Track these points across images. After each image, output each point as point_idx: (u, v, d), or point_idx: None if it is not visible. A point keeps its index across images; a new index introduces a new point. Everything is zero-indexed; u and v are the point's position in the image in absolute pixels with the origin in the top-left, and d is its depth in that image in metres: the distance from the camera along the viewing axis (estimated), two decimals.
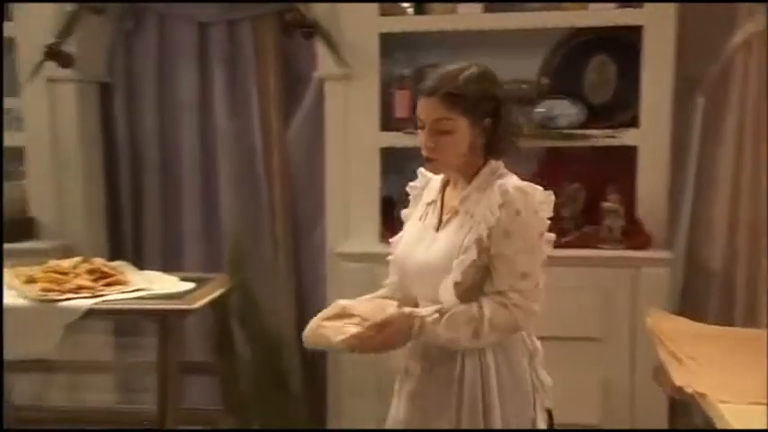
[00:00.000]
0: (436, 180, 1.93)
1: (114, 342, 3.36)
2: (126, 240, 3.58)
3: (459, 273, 1.73)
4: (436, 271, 1.77)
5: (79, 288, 2.40)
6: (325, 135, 3.26)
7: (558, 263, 2.93)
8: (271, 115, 3.43)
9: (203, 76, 3.44)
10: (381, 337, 1.73)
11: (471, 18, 3.13)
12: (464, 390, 1.78)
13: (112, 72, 3.51)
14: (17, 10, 3.31)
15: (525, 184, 1.78)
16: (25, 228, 3.35)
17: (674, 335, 2.37)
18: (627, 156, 3.07)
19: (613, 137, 3.06)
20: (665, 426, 2.96)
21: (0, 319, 2.38)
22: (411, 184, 2.01)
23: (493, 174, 1.81)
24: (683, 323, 2.59)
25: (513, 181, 1.78)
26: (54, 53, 3.19)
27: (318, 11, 3.12)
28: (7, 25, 3.32)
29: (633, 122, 3.07)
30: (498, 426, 1.78)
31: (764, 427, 1.74)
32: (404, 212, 2.00)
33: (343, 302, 1.85)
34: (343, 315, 1.80)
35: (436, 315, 1.74)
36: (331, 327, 1.78)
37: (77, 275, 2.48)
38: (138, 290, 2.47)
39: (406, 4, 3.18)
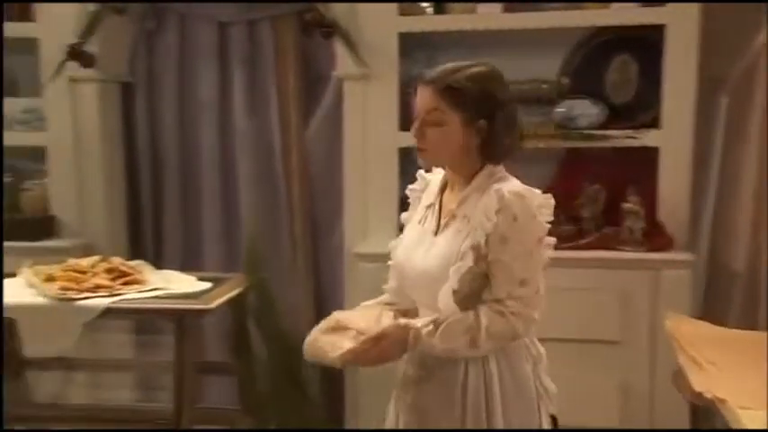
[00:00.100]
0: (435, 183, 1.91)
1: (135, 340, 3.38)
2: (146, 239, 3.60)
3: (457, 280, 1.70)
4: (434, 277, 1.74)
5: (97, 287, 2.42)
6: (343, 135, 3.26)
7: (577, 264, 2.97)
8: (290, 115, 3.43)
9: (223, 75, 3.45)
10: (377, 350, 1.71)
11: (491, 17, 3.11)
12: (467, 397, 1.76)
13: (134, 72, 3.53)
14: (41, 10, 3.33)
15: (523, 187, 1.74)
16: (47, 226, 3.37)
17: (693, 339, 2.34)
18: (648, 157, 3.03)
19: (634, 137, 3.02)
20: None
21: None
22: (410, 186, 1.99)
23: (491, 177, 1.77)
24: (704, 327, 2.55)
25: (510, 185, 1.74)
26: (76, 53, 3.22)
27: (337, 10, 3.11)
28: (30, 25, 3.36)
29: (655, 123, 3.03)
30: None
31: None
32: (403, 216, 1.97)
33: (338, 315, 1.83)
34: (338, 328, 1.78)
35: (431, 326, 1.71)
36: (327, 341, 1.76)
37: (96, 274, 2.50)
38: (155, 289, 2.48)
39: (425, 4, 3.17)
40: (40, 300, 2.39)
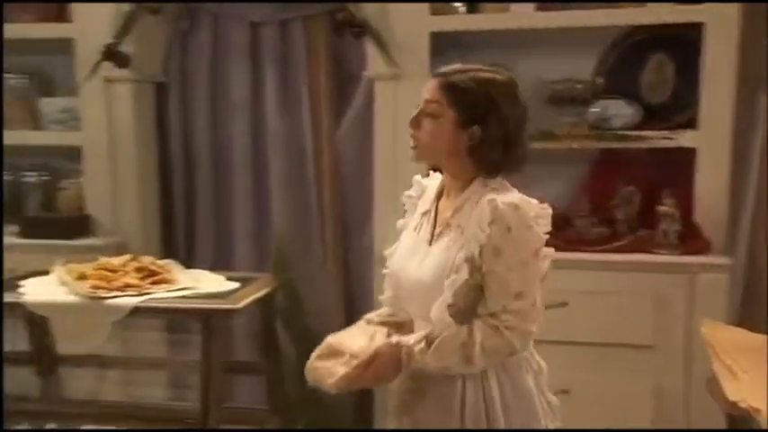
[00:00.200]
0: (432, 189, 1.87)
1: (168, 338, 3.41)
2: (178, 238, 3.63)
3: (451, 294, 1.66)
4: (428, 288, 1.71)
5: (126, 286, 2.43)
6: (374, 135, 3.24)
7: (610, 267, 2.92)
8: (321, 115, 3.43)
9: (255, 75, 3.46)
10: (370, 373, 1.69)
11: (524, 16, 3.07)
12: (466, 413, 1.72)
13: (167, 72, 3.56)
14: (77, 11, 3.37)
15: (518, 197, 1.70)
16: (82, 225, 3.41)
17: (728, 346, 2.28)
18: (684, 158, 2.97)
19: (671, 138, 2.96)
20: None
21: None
22: (406, 192, 1.95)
23: (485, 186, 1.72)
24: (740, 334, 2.48)
25: (505, 195, 1.69)
26: (111, 53, 3.25)
27: (369, 10, 3.10)
28: (67, 26, 3.40)
29: (692, 123, 2.97)
30: None
31: None
32: (399, 222, 1.93)
33: (331, 339, 1.81)
34: (333, 353, 1.76)
35: (423, 344, 1.68)
36: (323, 367, 1.74)
37: (126, 273, 2.52)
38: (183, 288, 2.49)
39: (457, 3, 3.14)
40: (71, 298, 2.41)
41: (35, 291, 2.51)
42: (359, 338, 1.78)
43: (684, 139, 2.95)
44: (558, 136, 3.01)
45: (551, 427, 1.84)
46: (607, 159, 3.16)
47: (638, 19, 3.00)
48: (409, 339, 1.71)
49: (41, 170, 3.63)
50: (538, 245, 1.68)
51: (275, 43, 3.43)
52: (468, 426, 1.72)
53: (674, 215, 2.91)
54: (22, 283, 2.58)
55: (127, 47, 3.27)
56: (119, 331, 2.78)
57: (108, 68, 3.28)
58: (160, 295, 2.43)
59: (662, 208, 2.93)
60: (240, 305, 2.39)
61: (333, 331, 1.87)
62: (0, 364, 2.36)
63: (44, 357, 2.87)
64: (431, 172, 1.92)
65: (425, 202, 1.86)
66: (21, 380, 2.94)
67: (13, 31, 3.44)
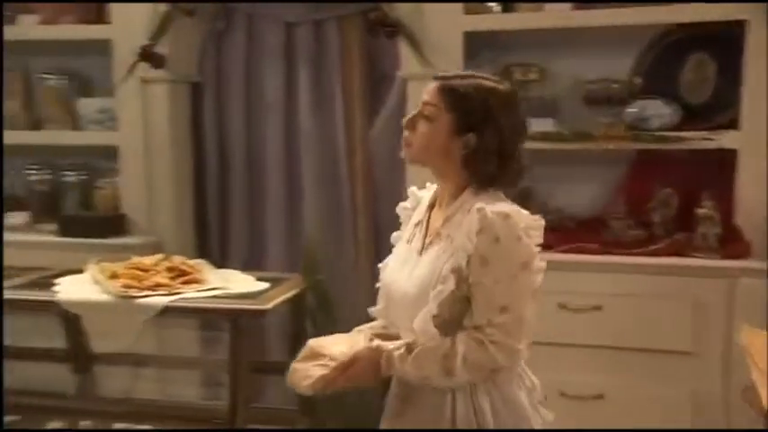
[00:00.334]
0: (426, 200, 1.82)
1: (203, 336, 3.43)
2: (212, 238, 3.65)
3: (436, 305, 1.60)
4: (414, 299, 1.66)
5: (157, 285, 2.44)
6: None
7: (647, 271, 2.86)
8: (354, 115, 3.42)
9: (289, 75, 3.46)
10: (347, 375, 1.66)
11: (560, 15, 3.03)
12: (457, 427, 1.66)
13: (203, 72, 3.58)
14: (115, 13, 3.41)
15: (509, 207, 1.62)
16: (118, 224, 3.45)
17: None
18: (725, 159, 2.89)
19: (711, 139, 2.88)
20: None
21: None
22: (401, 204, 1.90)
23: (476, 196, 1.66)
24: None
25: (495, 204, 1.62)
26: (147, 54, 3.28)
27: (403, 10, 3.08)
28: (105, 27, 3.44)
29: (733, 124, 2.89)
30: None
31: None
32: (393, 235, 1.88)
33: (312, 342, 1.78)
34: (313, 355, 1.73)
35: (403, 350, 1.63)
36: (301, 369, 1.71)
37: (157, 273, 2.53)
38: (213, 288, 2.49)
39: (492, 3, 3.10)
40: (103, 296, 2.43)
41: (69, 289, 2.53)
42: (341, 343, 1.75)
43: (725, 140, 2.87)
44: (593, 137, 2.95)
45: None
46: (644, 160, 3.10)
47: (678, 17, 2.93)
48: (389, 345, 1.67)
49: (81, 170, 3.68)
50: (527, 258, 1.61)
51: (309, 43, 3.43)
52: None
53: (713, 218, 2.84)
54: (57, 281, 2.60)
55: (162, 48, 3.30)
56: (154, 329, 2.82)
57: (144, 69, 3.31)
58: (190, 295, 2.43)
59: (701, 210, 2.86)
60: (269, 306, 2.39)
61: None
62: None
63: (79, 355, 2.90)
64: (428, 184, 1.88)
65: (419, 213, 1.82)
66: (57, 377, 2.99)
67: (53, 32, 3.50)
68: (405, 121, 1.73)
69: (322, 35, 3.43)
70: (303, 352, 1.77)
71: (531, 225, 1.62)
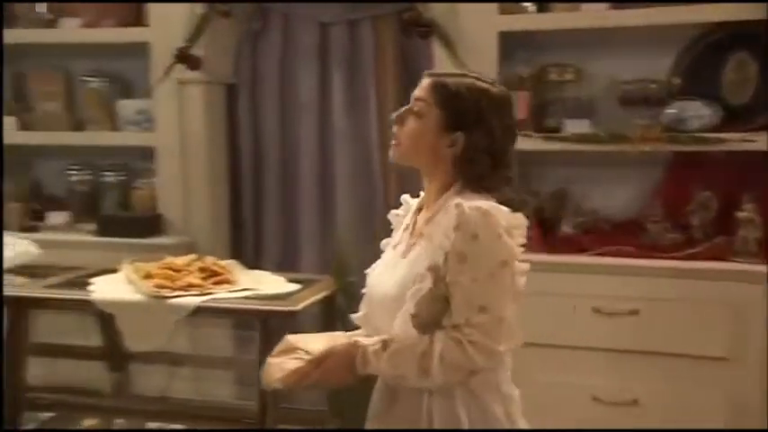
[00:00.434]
0: (415, 205, 1.77)
1: (238, 336, 3.45)
2: (247, 238, 3.68)
3: (414, 304, 1.55)
4: (393, 301, 1.61)
5: (189, 286, 2.46)
6: None
7: (685, 275, 2.81)
8: (388, 115, 3.40)
9: (323, 76, 3.48)
10: (321, 370, 1.59)
11: (596, 15, 2.98)
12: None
13: (238, 73, 3.61)
14: (153, 16, 3.45)
15: (489, 204, 1.54)
16: (154, 224, 3.50)
17: None
18: (766, 161, 2.82)
19: (752, 141, 2.81)
20: None
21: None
22: (393, 211, 1.86)
23: (459, 194, 1.60)
24: None
25: (474, 201, 1.55)
26: (184, 56, 3.32)
27: (437, 10, 3.06)
28: (143, 30, 3.49)
29: None
30: None
31: None
32: (383, 242, 1.83)
33: (290, 337, 1.72)
34: (288, 350, 1.67)
35: (378, 346, 1.58)
36: (275, 363, 1.66)
37: (190, 273, 2.55)
38: (244, 289, 2.51)
39: (527, 3, 3.07)
40: (136, 296, 2.46)
41: (104, 288, 2.56)
42: (320, 340, 1.70)
43: (767, 141, 2.80)
44: (630, 138, 2.90)
45: None
46: (682, 162, 3.04)
47: (718, 16, 2.87)
48: (365, 341, 1.62)
49: (120, 170, 3.73)
50: (507, 256, 1.54)
51: (344, 43, 3.44)
52: None
53: (754, 221, 2.78)
54: (92, 280, 2.64)
55: (199, 50, 3.33)
56: (188, 329, 2.85)
57: (181, 71, 3.35)
58: (221, 295, 2.44)
59: (742, 214, 2.80)
60: (299, 307, 2.39)
61: None
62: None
63: (115, 353, 2.94)
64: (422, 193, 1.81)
65: (408, 218, 1.78)
66: (94, 375, 3.04)
67: (94, 35, 3.56)
68: (394, 116, 1.69)
69: (357, 35, 3.43)
70: (279, 346, 1.71)
71: (513, 223, 1.56)
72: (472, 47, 3.04)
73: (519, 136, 2.95)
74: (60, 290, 2.63)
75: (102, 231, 3.50)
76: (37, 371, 2.71)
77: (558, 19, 3.02)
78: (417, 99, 1.66)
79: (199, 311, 2.37)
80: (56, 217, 3.67)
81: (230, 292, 2.48)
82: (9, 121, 3.68)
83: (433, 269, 1.55)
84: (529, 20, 3.06)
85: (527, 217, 1.62)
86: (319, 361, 1.61)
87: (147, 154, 3.54)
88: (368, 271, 1.79)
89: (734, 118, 2.92)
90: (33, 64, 3.82)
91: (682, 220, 2.95)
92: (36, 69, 3.81)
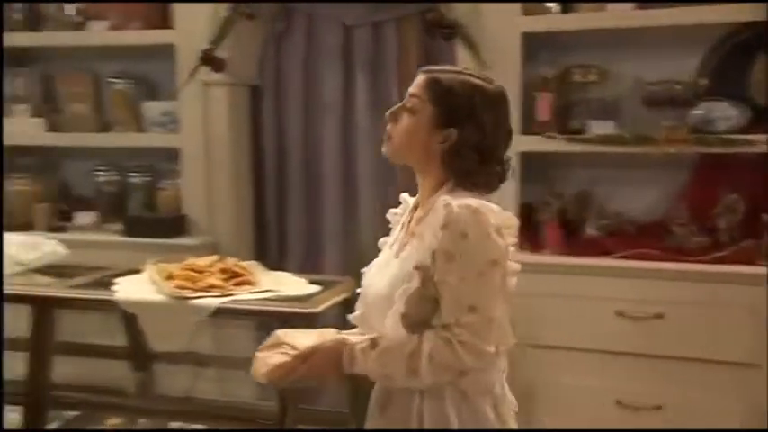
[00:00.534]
0: (411, 203, 1.76)
1: (259, 337, 3.46)
2: (271, 238, 3.69)
3: (402, 303, 1.54)
4: (384, 300, 1.59)
5: (210, 287, 2.47)
6: None
7: (710, 279, 2.77)
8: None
9: (347, 77, 3.48)
10: (307, 366, 1.58)
11: (622, 15, 2.94)
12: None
13: (262, 74, 3.62)
14: (178, 18, 3.48)
15: (479, 203, 1.52)
16: (179, 225, 3.52)
17: None
18: None
19: None
20: None
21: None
22: (391, 210, 1.85)
23: (451, 192, 1.58)
24: None
25: (463, 199, 1.53)
26: (208, 58, 3.34)
27: (461, 11, 3.05)
28: (169, 32, 3.51)
29: None
30: None
31: None
32: (380, 241, 1.82)
33: (279, 332, 1.70)
34: (276, 345, 1.65)
35: (366, 345, 1.56)
36: (261, 358, 1.64)
37: (211, 274, 2.56)
38: (265, 291, 2.51)
39: (550, 3, 3.04)
40: (158, 297, 2.48)
41: (127, 288, 2.58)
42: (308, 336, 1.68)
43: None
44: (655, 140, 2.87)
45: None
46: (709, 164, 2.99)
47: (746, 16, 2.82)
48: (353, 339, 1.61)
49: (146, 171, 3.76)
50: (497, 256, 1.51)
51: (368, 45, 3.44)
52: None
53: None
54: (117, 280, 2.67)
55: (223, 52, 3.34)
56: (212, 329, 2.87)
57: (205, 73, 3.37)
58: (242, 297, 2.45)
59: None
60: (319, 309, 2.39)
61: None
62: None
63: (139, 353, 2.97)
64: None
65: (404, 217, 1.77)
66: (118, 374, 3.07)
67: (120, 38, 3.59)
68: (388, 113, 1.68)
69: (380, 36, 3.43)
70: (268, 341, 1.70)
71: (503, 223, 1.54)
72: (495, 48, 3.02)
73: (542, 137, 3.00)
74: (85, 290, 2.67)
75: (127, 232, 3.53)
76: (62, 370, 2.74)
77: (582, 19, 2.99)
78: (411, 96, 1.65)
79: (219, 313, 2.38)
80: (83, 217, 3.72)
81: (251, 293, 2.49)
82: (38, 123, 3.74)
83: (421, 268, 1.54)
84: (553, 20, 3.03)
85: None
86: (305, 357, 1.60)
87: (172, 155, 3.56)
88: (364, 270, 1.78)
89: (761, 119, 2.86)
90: (62, 66, 3.86)
91: (708, 222, 2.90)
92: (64, 71, 3.85)
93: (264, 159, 3.66)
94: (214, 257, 2.70)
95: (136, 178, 3.74)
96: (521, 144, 3.02)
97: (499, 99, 1.64)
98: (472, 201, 1.52)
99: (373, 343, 1.57)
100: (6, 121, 3.74)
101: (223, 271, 2.59)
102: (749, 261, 2.77)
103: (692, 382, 2.79)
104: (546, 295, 2.89)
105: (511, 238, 1.57)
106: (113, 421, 3.08)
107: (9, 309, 2.73)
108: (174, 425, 3.01)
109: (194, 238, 3.47)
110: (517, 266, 1.61)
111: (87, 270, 2.91)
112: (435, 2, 3.11)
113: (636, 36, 3.02)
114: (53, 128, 3.76)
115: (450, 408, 1.58)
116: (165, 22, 3.55)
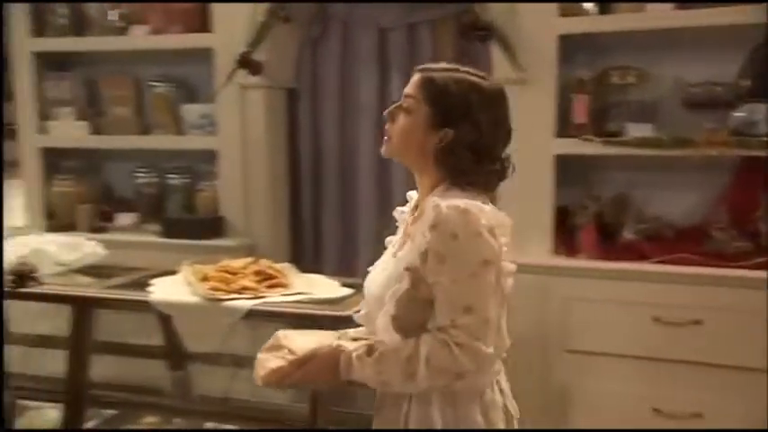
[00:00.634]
0: (413, 202, 1.74)
1: None
2: (307, 240, 3.71)
3: (393, 305, 1.52)
4: (379, 301, 1.58)
5: (244, 288, 2.50)
6: None
7: (751, 284, 2.71)
8: None
9: (382, 80, 3.48)
10: (303, 372, 1.57)
11: (661, 16, 2.89)
12: None
13: (299, 78, 3.64)
14: (217, 22, 3.51)
15: (468, 203, 1.50)
16: (216, 226, 3.56)
17: None
18: None
19: None
20: None
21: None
22: (398, 209, 1.83)
23: (447, 192, 1.56)
24: None
25: (453, 199, 1.51)
26: (246, 61, 3.37)
27: (496, 12, 3.02)
28: (208, 36, 3.54)
29: None
30: None
31: None
32: (387, 239, 1.81)
33: (281, 333, 1.70)
34: (276, 347, 1.65)
35: (362, 350, 1.54)
36: (261, 360, 1.64)
37: (245, 276, 2.58)
38: (297, 293, 2.53)
39: (588, 4, 3.00)
40: (192, 298, 2.51)
41: (163, 289, 2.62)
42: (309, 339, 1.67)
43: None
44: (695, 142, 2.81)
45: None
46: (750, 167, 2.92)
47: None
48: (349, 345, 1.59)
49: (185, 173, 3.81)
50: (489, 256, 1.49)
51: (403, 47, 3.44)
52: None
53: None
54: (153, 281, 2.71)
55: (260, 55, 3.37)
56: (247, 330, 2.89)
57: (243, 76, 3.40)
58: (274, 299, 2.47)
59: None
60: (350, 312, 2.39)
61: None
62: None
63: (175, 353, 3.01)
64: None
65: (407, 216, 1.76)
66: (155, 374, 3.11)
67: (160, 42, 3.64)
68: (386, 112, 1.68)
69: (415, 39, 3.43)
70: (270, 341, 1.70)
71: (495, 223, 1.52)
72: (531, 50, 3.00)
73: (578, 140, 2.96)
74: (122, 290, 2.72)
75: (166, 233, 3.58)
76: (101, 369, 2.79)
77: (620, 20, 2.94)
78: (406, 96, 1.64)
79: (252, 314, 2.40)
80: (124, 218, 3.78)
81: (283, 295, 2.51)
82: (82, 126, 3.81)
83: (411, 269, 1.53)
84: (590, 22, 2.98)
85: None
86: (301, 362, 1.60)
87: (211, 157, 3.60)
88: (370, 269, 1.77)
89: None
90: (105, 70, 3.93)
91: (748, 227, 2.85)
92: (107, 75, 3.92)
93: (300, 162, 3.69)
94: (248, 259, 2.72)
95: (175, 180, 3.79)
96: (557, 147, 3.02)
97: (497, 97, 1.62)
98: (462, 201, 1.51)
99: (370, 349, 1.55)
100: (51, 125, 3.84)
101: (257, 273, 2.61)
102: None
103: (732, 390, 2.73)
104: (582, 300, 2.86)
105: (504, 237, 1.55)
106: (149, 420, 3.12)
107: (50, 308, 2.81)
108: (209, 425, 3.04)
109: (231, 240, 3.51)
110: (512, 267, 1.59)
111: (125, 271, 2.97)
112: (471, 2, 3.09)
113: (675, 37, 2.96)
114: (96, 130, 3.83)
115: (436, 411, 1.57)
116: (204, 26, 3.59)
